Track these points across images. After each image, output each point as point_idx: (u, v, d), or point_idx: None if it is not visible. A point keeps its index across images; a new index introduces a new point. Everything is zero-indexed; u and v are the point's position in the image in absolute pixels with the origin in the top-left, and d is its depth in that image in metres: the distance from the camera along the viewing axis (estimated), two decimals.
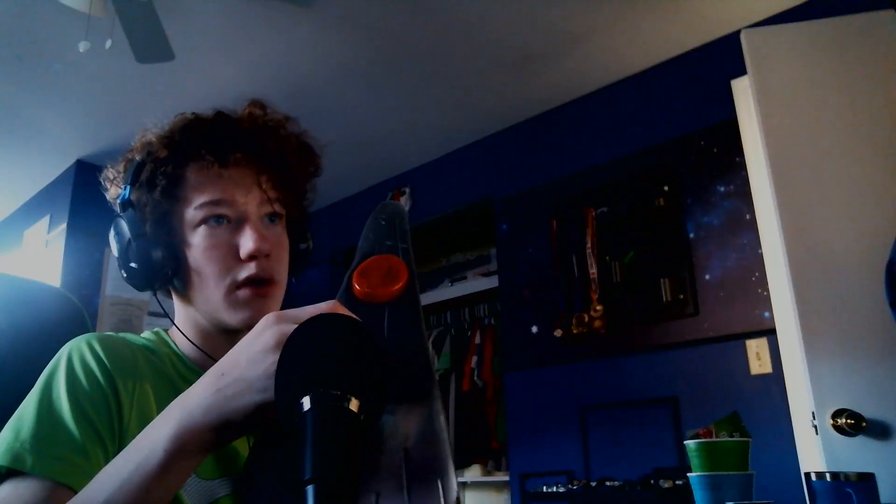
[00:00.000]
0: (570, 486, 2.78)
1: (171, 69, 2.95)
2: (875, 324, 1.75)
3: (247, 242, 0.81)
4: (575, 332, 3.22)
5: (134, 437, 0.62)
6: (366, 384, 0.54)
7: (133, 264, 0.82)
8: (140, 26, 2.46)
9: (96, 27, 2.44)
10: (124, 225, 0.83)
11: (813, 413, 1.76)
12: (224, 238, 0.82)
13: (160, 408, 0.66)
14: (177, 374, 0.83)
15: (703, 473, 1.16)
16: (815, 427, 1.75)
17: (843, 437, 1.71)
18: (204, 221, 0.81)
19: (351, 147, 4.03)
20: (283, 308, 0.80)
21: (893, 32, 1.92)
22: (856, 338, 1.80)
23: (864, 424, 1.69)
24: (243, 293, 0.81)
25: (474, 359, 4.11)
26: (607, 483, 2.67)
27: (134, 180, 0.85)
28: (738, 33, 2.17)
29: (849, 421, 1.69)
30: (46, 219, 4.16)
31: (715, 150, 2.95)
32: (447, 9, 2.85)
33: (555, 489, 2.77)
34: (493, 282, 3.95)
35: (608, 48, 3.15)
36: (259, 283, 0.82)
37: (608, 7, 2.86)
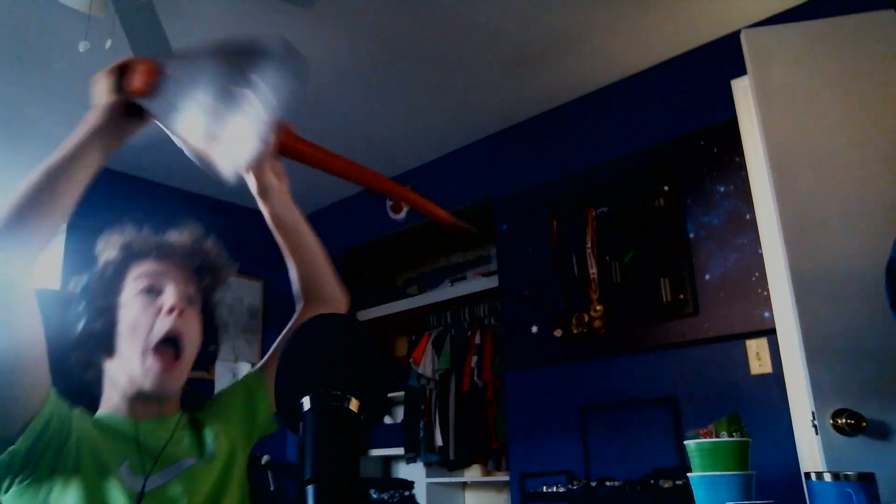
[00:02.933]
0: (570, 486, 2.78)
1: None
2: (875, 324, 1.75)
3: (168, 299, 1.07)
4: (575, 332, 3.22)
5: (77, 447, 0.97)
6: (366, 384, 0.54)
7: (84, 327, 1.06)
8: (140, 26, 2.46)
9: (96, 27, 2.44)
10: (77, 302, 1.09)
11: (813, 413, 1.76)
12: (152, 303, 1.07)
13: (103, 444, 1.00)
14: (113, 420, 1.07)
15: (703, 473, 1.16)
16: (816, 427, 1.75)
17: (843, 437, 1.71)
18: (140, 292, 1.07)
19: (350, 147, 4.03)
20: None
21: (893, 32, 1.91)
22: (856, 338, 1.80)
23: (864, 424, 1.69)
24: (155, 361, 1.04)
25: (474, 359, 4.10)
26: (607, 483, 2.67)
27: (92, 273, 1.12)
28: (738, 33, 2.17)
29: (849, 421, 1.69)
30: None
31: (715, 150, 2.95)
32: (448, 9, 2.85)
33: (555, 489, 2.77)
34: (493, 282, 3.95)
35: (608, 48, 3.15)
36: (170, 343, 1.05)
37: (608, 7, 2.86)
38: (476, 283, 4.31)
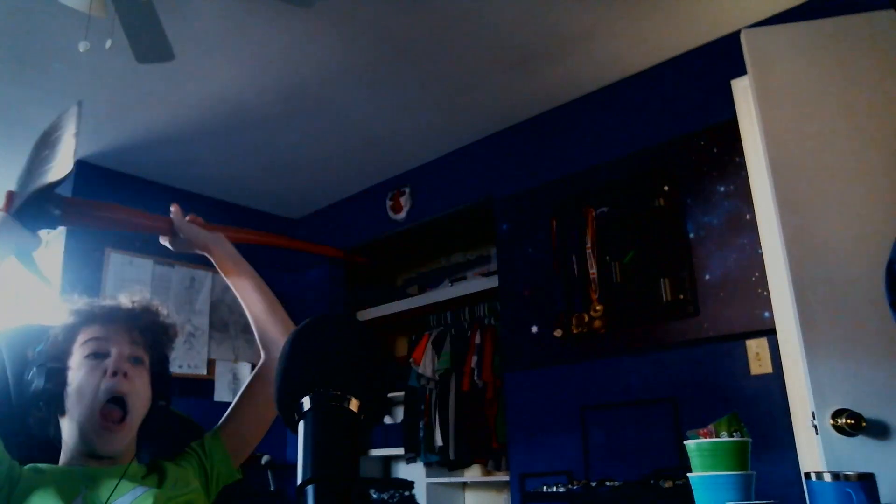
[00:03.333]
0: (570, 486, 2.78)
1: (171, 69, 2.95)
2: (875, 324, 1.75)
3: (112, 362, 1.15)
4: (575, 332, 3.22)
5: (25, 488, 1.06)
6: (366, 384, 0.54)
7: (37, 388, 1.13)
8: (140, 26, 2.46)
9: (96, 27, 2.44)
10: (31, 365, 1.17)
11: (813, 413, 1.76)
12: (98, 366, 1.14)
13: (56, 484, 1.06)
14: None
15: (703, 473, 1.16)
16: (815, 427, 1.75)
17: (842, 437, 1.71)
18: (87, 356, 1.15)
19: (351, 147, 4.04)
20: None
21: (893, 32, 1.91)
22: (856, 338, 1.80)
23: (863, 424, 1.69)
24: (100, 421, 1.10)
25: (474, 359, 4.11)
26: (607, 483, 2.67)
27: (49, 335, 1.19)
28: (738, 33, 2.17)
29: (849, 421, 1.69)
30: None
31: (715, 150, 2.95)
32: (447, 9, 2.85)
33: (555, 489, 2.77)
34: (493, 282, 3.95)
35: (608, 48, 3.15)
36: (115, 403, 1.12)
37: (608, 7, 2.86)
38: (476, 283, 4.31)
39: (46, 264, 3.97)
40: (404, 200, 4.27)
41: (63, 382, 1.13)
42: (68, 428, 1.14)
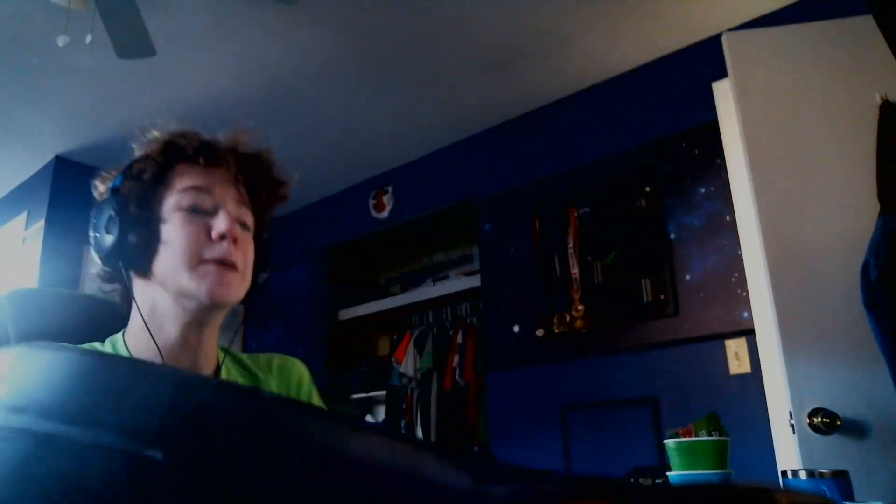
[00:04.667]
0: None
1: (152, 65, 2.93)
2: (851, 324, 1.77)
3: (220, 224, 0.89)
4: (556, 331, 3.24)
5: None
6: None
7: (109, 236, 0.88)
8: (121, 21, 2.43)
9: (76, 21, 2.41)
10: (109, 206, 0.90)
11: (790, 412, 1.78)
12: (199, 221, 0.89)
13: None
14: None
15: (682, 472, 1.17)
16: (793, 426, 1.77)
17: (818, 435, 1.73)
18: (183, 208, 0.89)
19: (334, 145, 4.02)
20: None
21: (870, 37, 1.94)
22: (832, 338, 1.83)
23: (838, 423, 1.71)
24: (209, 267, 0.87)
25: (456, 358, 4.11)
26: None
27: (126, 171, 0.92)
28: (719, 36, 2.19)
29: (824, 420, 1.71)
30: (24, 215, 4.10)
31: (696, 152, 2.97)
32: (431, 8, 2.85)
33: None
34: (475, 281, 3.95)
35: (591, 50, 3.16)
36: (224, 265, 0.88)
37: (591, 9, 2.87)
38: (458, 283, 4.31)
39: (24, 260, 3.92)
40: (387, 199, 4.26)
41: (150, 235, 0.88)
42: (151, 292, 0.90)
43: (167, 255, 0.87)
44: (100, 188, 0.97)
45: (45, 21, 2.72)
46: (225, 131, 0.98)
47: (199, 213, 0.90)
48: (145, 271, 0.90)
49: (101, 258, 0.91)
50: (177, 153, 0.93)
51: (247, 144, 0.99)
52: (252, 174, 0.97)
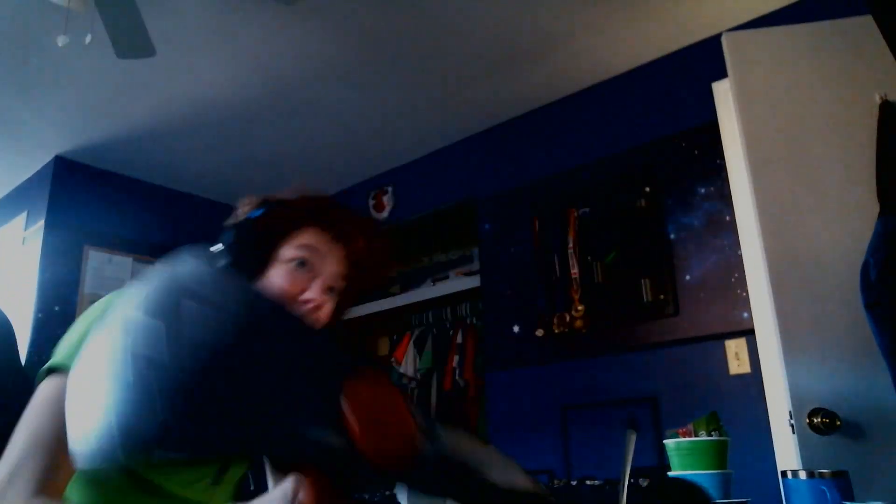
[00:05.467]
0: (550, 485, 2.79)
1: (151, 65, 2.93)
2: (851, 325, 1.77)
3: (312, 291, 1.00)
4: (556, 331, 3.24)
5: None
6: None
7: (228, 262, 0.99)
8: (120, 21, 2.43)
9: (75, 21, 2.41)
10: (241, 231, 1.02)
11: (790, 412, 1.78)
12: (300, 277, 1.01)
13: None
14: None
15: (682, 472, 1.17)
16: (792, 426, 1.77)
17: (818, 435, 1.73)
18: (293, 260, 1.01)
19: (333, 145, 4.02)
20: None
21: (870, 37, 1.94)
22: (832, 339, 1.82)
23: (838, 424, 1.71)
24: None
25: (456, 358, 4.11)
26: (587, 482, 2.69)
27: (267, 210, 1.05)
28: (719, 36, 2.19)
29: (824, 420, 1.71)
30: (23, 215, 4.10)
31: (696, 152, 2.97)
32: (431, 8, 2.85)
33: None
34: (475, 281, 3.95)
35: (591, 50, 3.16)
36: None
37: (591, 9, 2.87)
38: (458, 283, 4.31)
39: (23, 261, 3.92)
40: (387, 199, 4.27)
41: (256, 271, 1.00)
42: None
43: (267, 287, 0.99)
44: (239, 212, 1.08)
45: (44, 21, 2.72)
46: (373, 227, 1.12)
47: (302, 270, 1.01)
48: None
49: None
50: (314, 213, 1.05)
51: (373, 232, 1.11)
52: (363, 256, 1.08)
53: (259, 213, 1.03)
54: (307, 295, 1.00)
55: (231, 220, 1.06)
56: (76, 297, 3.84)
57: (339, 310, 1.08)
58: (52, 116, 3.58)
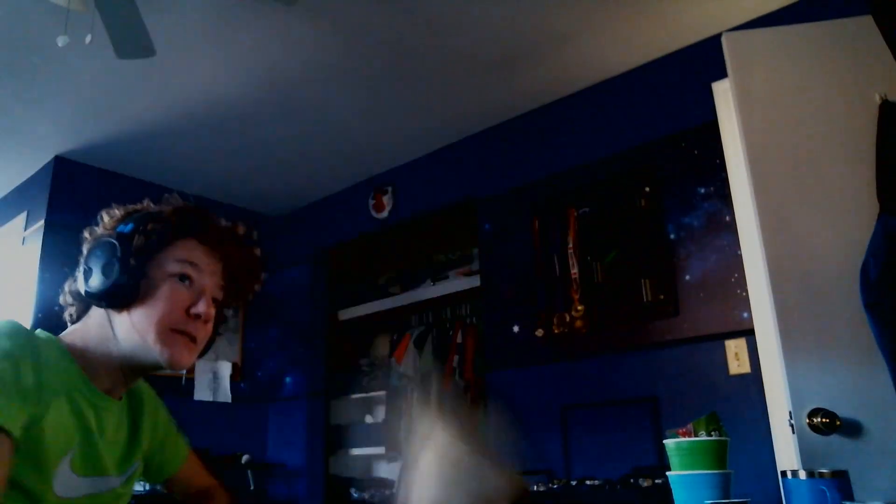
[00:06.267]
0: (550, 485, 2.79)
1: (151, 65, 2.92)
2: (851, 325, 1.77)
3: (201, 306, 1.01)
4: (556, 331, 3.24)
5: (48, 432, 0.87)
6: None
7: (104, 279, 0.98)
8: (120, 21, 2.43)
9: (76, 21, 2.41)
10: (111, 249, 1.00)
11: (790, 412, 1.78)
12: (185, 294, 1.01)
13: (74, 422, 0.93)
14: (78, 392, 0.96)
15: (681, 472, 1.17)
16: (792, 426, 1.77)
17: (818, 435, 1.73)
18: (175, 275, 1.01)
19: (333, 145, 4.02)
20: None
21: (870, 37, 1.94)
22: (832, 338, 1.82)
23: (838, 423, 1.71)
24: (178, 337, 0.99)
25: (456, 358, 4.11)
26: (587, 482, 2.69)
27: (140, 224, 1.02)
28: (719, 36, 2.19)
29: (824, 420, 1.71)
30: (24, 215, 4.10)
31: (696, 152, 2.97)
32: (431, 8, 2.85)
33: (535, 488, 2.78)
34: (475, 281, 3.96)
35: (590, 50, 3.17)
36: (190, 338, 1.01)
37: (591, 9, 2.87)
38: (458, 283, 4.32)
39: (23, 261, 3.92)
40: (387, 199, 4.27)
41: (135, 287, 0.98)
42: (119, 325, 0.99)
43: (146, 312, 0.98)
44: (105, 224, 1.06)
45: (44, 21, 2.72)
46: (224, 221, 1.11)
47: (185, 286, 1.01)
48: (119, 311, 0.99)
49: (86, 291, 1.00)
50: (190, 226, 1.04)
51: (245, 241, 1.12)
52: (238, 267, 1.09)
53: (129, 228, 1.02)
54: (197, 309, 1.01)
55: (92, 237, 1.05)
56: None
57: (216, 322, 1.10)
58: (52, 116, 3.58)
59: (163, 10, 2.74)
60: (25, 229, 4.03)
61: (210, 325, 1.05)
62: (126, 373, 1.03)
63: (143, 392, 1.16)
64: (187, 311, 1.01)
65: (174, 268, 1.01)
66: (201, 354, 1.09)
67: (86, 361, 0.99)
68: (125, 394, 1.08)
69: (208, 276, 1.04)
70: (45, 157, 4.00)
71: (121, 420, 1.06)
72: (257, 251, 1.14)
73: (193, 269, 1.02)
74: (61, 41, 2.25)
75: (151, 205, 1.09)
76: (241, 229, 1.12)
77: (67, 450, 0.92)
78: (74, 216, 3.93)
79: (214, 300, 1.05)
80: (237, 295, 1.12)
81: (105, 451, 1.00)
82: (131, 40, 2.52)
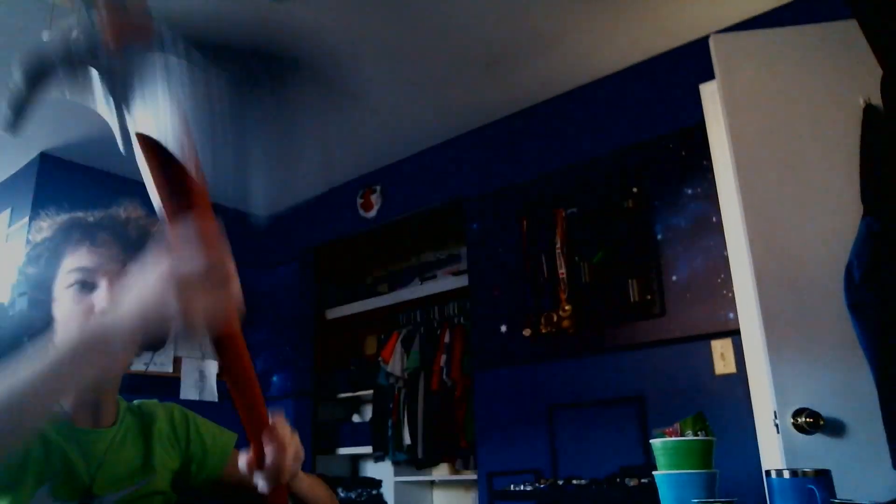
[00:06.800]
0: (537, 484, 2.80)
1: None
2: (835, 325, 1.79)
3: (100, 301, 0.98)
4: (543, 331, 3.24)
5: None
6: None
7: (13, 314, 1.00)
8: None
9: (61, 16, 2.39)
10: (17, 285, 1.02)
11: (775, 412, 1.80)
12: (84, 299, 0.99)
13: (47, 457, 0.93)
14: (54, 429, 0.97)
15: (668, 472, 1.17)
16: (777, 426, 1.79)
17: (802, 434, 1.75)
18: (70, 286, 0.99)
19: (321, 144, 4.00)
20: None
21: (855, 41, 1.96)
22: (816, 339, 1.84)
23: (821, 423, 1.73)
24: None
25: (443, 357, 4.11)
26: (574, 481, 2.70)
27: (29, 255, 1.04)
28: (706, 38, 2.20)
29: (808, 419, 1.73)
30: (7, 213, 4.06)
31: (683, 154, 2.99)
32: (419, 7, 2.85)
33: (522, 488, 2.79)
34: (462, 281, 3.96)
35: (579, 51, 3.17)
36: None
37: (579, 10, 2.88)
38: (446, 283, 4.32)
39: (7, 257, 3.88)
40: (375, 198, 4.26)
41: (48, 316, 0.99)
42: None
43: (61, 332, 0.98)
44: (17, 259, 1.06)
45: (29, 16, 2.70)
46: (122, 209, 1.08)
47: (83, 291, 0.99)
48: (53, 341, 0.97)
49: (13, 339, 1.00)
50: (65, 238, 1.02)
51: (136, 218, 1.08)
52: (140, 246, 1.03)
53: (24, 262, 1.03)
54: (97, 307, 0.98)
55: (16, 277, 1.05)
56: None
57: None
58: (38, 113, 3.53)
59: (152, 7, 2.72)
60: (9, 226, 3.99)
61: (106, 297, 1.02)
62: (90, 397, 1.02)
63: (154, 408, 1.16)
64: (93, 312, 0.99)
65: (66, 279, 1.00)
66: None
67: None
68: (125, 414, 1.09)
69: (103, 273, 1.00)
70: (30, 154, 3.96)
71: (121, 442, 1.06)
72: (143, 219, 1.08)
73: (84, 272, 1.00)
74: (46, 36, 2.23)
75: (44, 225, 1.06)
76: (133, 214, 1.08)
77: (43, 481, 0.93)
78: (59, 213, 3.89)
79: (115, 275, 1.01)
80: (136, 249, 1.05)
81: (97, 475, 0.99)
82: None
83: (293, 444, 0.87)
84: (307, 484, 1.06)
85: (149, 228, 1.07)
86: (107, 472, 1.01)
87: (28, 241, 1.06)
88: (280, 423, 0.86)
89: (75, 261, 1.01)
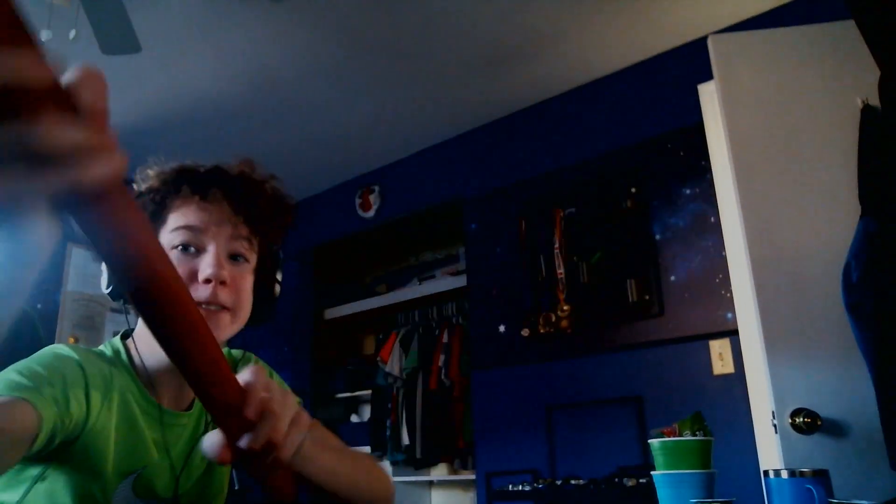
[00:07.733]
0: (535, 484, 2.80)
1: (137, 61, 2.90)
2: (833, 326, 1.79)
3: (206, 268, 0.89)
4: (542, 331, 3.24)
5: (85, 442, 0.79)
6: None
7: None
8: (105, 17, 2.41)
9: (59, 16, 2.39)
10: None
11: (773, 412, 1.80)
12: (188, 263, 0.90)
13: (118, 437, 0.84)
14: (138, 408, 0.90)
15: (666, 472, 1.18)
16: (775, 426, 1.79)
17: (800, 435, 1.75)
18: (175, 247, 0.90)
19: (320, 144, 4.01)
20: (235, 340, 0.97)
21: (853, 42, 1.96)
22: (814, 339, 1.84)
23: (819, 423, 1.73)
24: (203, 312, 0.87)
25: (442, 357, 4.11)
26: (572, 481, 2.70)
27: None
28: (705, 39, 2.20)
29: (806, 420, 1.73)
30: None
31: (681, 154, 2.99)
32: (419, 7, 2.85)
33: (520, 488, 2.79)
34: (461, 281, 3.96)
35: (578, 51, 3.18)
36: (211, 306, 0.89)
37: (579, 10, 2.88)
38: (444, 282, 4.32)
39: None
40: (373, 198, 4.26)
41: None
42: (143, 328, 0.92)
43: None
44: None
45: (27, 16, 2.69)
46: (233, 159, 0.97)
47: (189, 253, 0.90)
48: None
49: (109, 285, 0.93)
50: (173, 190, 0.92)
51: (251, 174, 0.97)
52: (254, 206, 0.94)
53: None
54: (204, 274, 0.88)
55: None
56: (59, 295, 3.80)
57: (261, 286, 0.97)
58: None
59: (148, 5, 2.72)
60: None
61: (241, 286, 0.92)
62: (168, 365, 0.90)
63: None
64: (197, 278, 0.89)
65: (171, 239, 0.90)
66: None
67: (147, 372, 0.91)
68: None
69: (213, 234, 0.91)
70: None
71: (196, 432, 0.96)
72: (273, 183, 1.00)
73: (191, 232, 0.90)
74: (45, 36, 2.23)
75: (145, 170, 0.95)
76: (246, 167, 0.98)
77: (125, 472, 0.86)
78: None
79: (235, 256, 0.93)
80: (266, 233, 0.98)
81: (182, 477, 0.92)
82: (116, 36, 2.50)
83: (282, 401, 0.61)
84: (328, 460, 0.77)
85: (262, 188, 0.98)
86: (192, 471, 0.95)
87: (131, 188, 0.90)
88: (255, 374, 0.60)
89: (182, 217, 0.91)
